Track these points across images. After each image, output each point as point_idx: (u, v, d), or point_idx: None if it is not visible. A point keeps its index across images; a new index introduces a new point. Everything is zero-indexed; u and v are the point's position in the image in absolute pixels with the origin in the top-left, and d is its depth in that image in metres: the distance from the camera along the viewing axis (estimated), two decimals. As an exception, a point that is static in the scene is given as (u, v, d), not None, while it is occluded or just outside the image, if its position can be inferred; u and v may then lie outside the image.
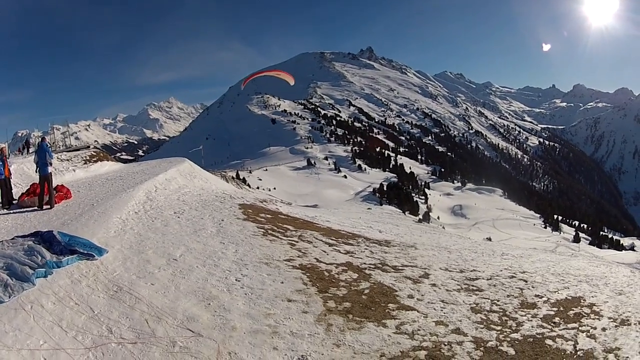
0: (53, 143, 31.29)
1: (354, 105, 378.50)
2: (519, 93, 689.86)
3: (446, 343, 8.16)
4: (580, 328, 9.87)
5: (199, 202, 17.48)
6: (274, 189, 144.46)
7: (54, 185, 15.65)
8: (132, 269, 9.18)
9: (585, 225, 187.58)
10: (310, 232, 15.32)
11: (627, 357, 8.85)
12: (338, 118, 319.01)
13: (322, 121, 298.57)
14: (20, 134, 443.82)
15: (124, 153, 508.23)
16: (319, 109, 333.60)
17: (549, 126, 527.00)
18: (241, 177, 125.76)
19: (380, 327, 8.29)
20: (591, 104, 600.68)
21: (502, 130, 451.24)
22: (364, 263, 12.31)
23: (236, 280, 9.36)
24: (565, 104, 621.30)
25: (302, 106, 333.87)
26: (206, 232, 12.71)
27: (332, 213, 33.14)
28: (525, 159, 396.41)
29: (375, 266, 12.18)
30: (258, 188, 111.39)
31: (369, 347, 7.58)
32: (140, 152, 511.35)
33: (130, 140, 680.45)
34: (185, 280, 8.89)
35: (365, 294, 9.92)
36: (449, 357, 7.63)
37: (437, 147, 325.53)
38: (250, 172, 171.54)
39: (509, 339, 8.75)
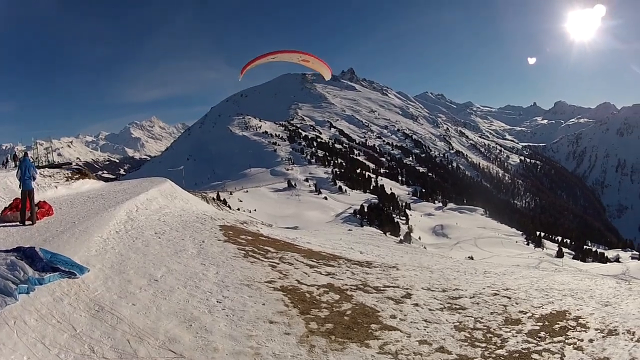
0: (36, 158, 31.11)
1: (334, 127, 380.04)
2: (500, 112, 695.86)
3: None
4: (566, 341, 10.02)
5: (179, 222, 17.44)
6: (255, 210, 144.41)
7: (35, 201, 15.42)
8: (114, 288, 9.11)
9: (569, 240, 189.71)
10: (291, 253, 15.34)
11: None
12: (319, 139, 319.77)
13: (303, 142, 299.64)
14: (4, 147, 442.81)
15: (105, 171, 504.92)
16: (299, 130, 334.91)
17: (530, 144, 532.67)
18: (222, 199, 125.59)
19: (363, 348, 8.23)
20: (573, 120, 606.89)
21: (482, 150, 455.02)
22: (346, 284, 12.31)
23: (217, 301, 9.30)
24: (546, 121, 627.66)
25: (283, 127, 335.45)
26: (187, 253, 12.65)
27: (313, 235, 33.21)
28: (507, 177, 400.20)
29: (357, 287, 12.19)
30: (239, 209, 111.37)
31: None
32: (122, 171, 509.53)
33: (112, 159, 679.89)
34: (166, 301, 8.82)
35: (348, 314, 9.90)
36: None
37: (417, 167, 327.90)
38: (230, 194, 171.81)
39: (494, 356, 8.80)
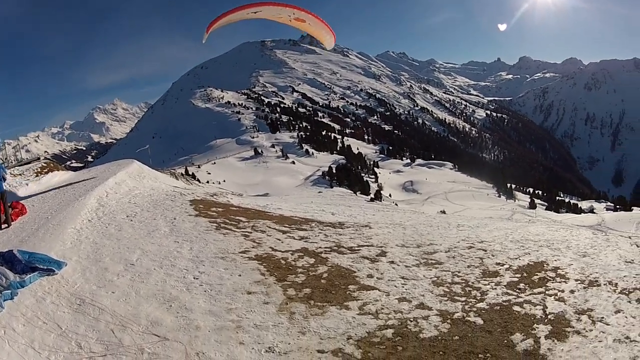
0: (5, 159, 30.50)
1: (297, 91, 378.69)
2: (464, 68, 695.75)
3: (412, 319, 8.28)
4: (547, 292, 10.12)
5: (150, 202, 17.29)
6: (224, 181, 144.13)
7: (8, 202, 15.08)
8: (92, 279, 9.06)
9: (540, 192, 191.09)
10: (263, 221, 15.30)
11: (602, 318, 9.01)
12: (282, 105, 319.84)
13: (267, 109, 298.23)
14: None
15: (73, 161, 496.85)
16: (262, 97, 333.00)
17: (496, 98, 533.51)
18: (190, 173, 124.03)
19: (343, 310, 8.37)
20: (538, 74, 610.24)
21: (448, 105, 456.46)
22: (320, 247, 12.37)
23: (194, 278, 9.31)
24: (511, 76, 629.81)
25: (246, 96, 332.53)
26: (160, 233, 12.59)
27: (284, 200, 33.28)
28: (474, 132, 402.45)
29: (331, 249, 12.28)
30: (208, 182, 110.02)
31: (334, 331, 7.64)
32: (89, 158, 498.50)
33: (79, 147, 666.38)
34: (144, 285, 8.80)
35: (324, 278, 10.00)
36: (416, 333, 7.79)
37: (383, 125, 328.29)
38: (199, 167, 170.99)
39: (475, 309, 8.95)
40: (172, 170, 73.68)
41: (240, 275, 9.66)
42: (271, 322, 7.72)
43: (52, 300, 8.12)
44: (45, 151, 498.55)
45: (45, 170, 25.50)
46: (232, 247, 11.52)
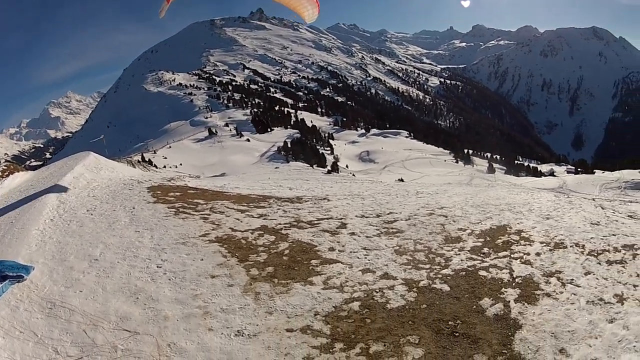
0: (-32, 167, 30.08)
1: (248, 68, 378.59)
2: (416, 37, 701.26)
3: (377, 290, 8.40)
4: (512, 256, 10.33)
5: (108, 194, 17.07)
6: (180, 164, 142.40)
7: None
8: (60, 280, 8.91)
9: (498, 157, 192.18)
10: (221, 202, 15.37)
11: (572, 280, 9.18)
12: (234, 83, 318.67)
13: (219, 88, 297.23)
14: None
15: (32, 160, 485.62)
16: (214, 76, 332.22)
17: (450, 66, 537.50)
18: (147, 159, 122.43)
19: (307, 286, 8.46)
20: (492, 42, 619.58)
21: (400, 74, 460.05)
22: (279, 224, 12.47)
23: (158, 267, 9.28)
24: (464, 44, 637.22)
25: (197, 77, 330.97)
26: (120, 224, 12.48)
27: (241, 179, 33.07)
28: (428, 100, 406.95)
29: (290, 225, 12.42)
30: (165, 167, 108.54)
31: (301, 308, 7.71)
32: (48, 155, 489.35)
33: (37, 145, 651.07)
34: (110, 279, 8.72)
35: (286, 254, 10.05)
36: (383, 304, 7.89)
37: (336, 97, 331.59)
38: (155, 152, 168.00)
39: (440, 276, 9.09)
40: (129, 159, 72.83)
41: (202, 260, 9.64)
42: (237, 305, 7.75)
43: (25, 308, 8.03)
44: (5, 153, 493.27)
45: (6, 173, 25.20)
46: (192, 231, 11.55)
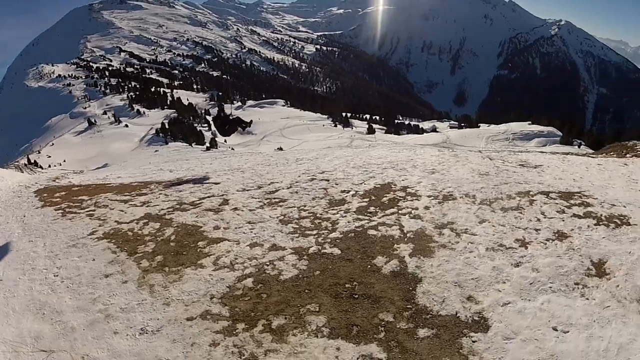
0: None
1: (124, 51, 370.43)
2: (293, 6, 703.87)
3: (268, 263, 8.51)
4: (400, 212, 10.76)
5: (0, 205, 16.26)
6: (64, 161, 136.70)
7: None
8: None
9: (378, 117, 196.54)
10: (104, 195, 15.16)
11: (467, 229, 9.69)
12: (110, 68, 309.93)
13: (96, 75, 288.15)
14: None
15: None
16: (91, 64, 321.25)
17: (326, 33, 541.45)
18: (32, 161, 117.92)
19: (198, 269, 8.47)
20: (371, 7, 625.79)
21: (276, 44, 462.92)
22: (162, 209, 12.45)
23: (55, 276, 9.01)
24: (342, 10, 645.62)
25: (75, 66, 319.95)
26: (15, 235, 11.99)
27: (122, 167, 32.27)
28: (304, 67, 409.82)
29: (173, 209, 12.36)
30: (50, 166, 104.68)
31: (196, 294, 7.69)
32: None
33: None
34: (16, 299, 8.43)
35: (173, 240, 9.99)
36: (276, 276, 8.03)
37: (211, 72, 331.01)
38: (39, 152, 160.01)
39: (329, 240, 9.33)
40: (16, 164, 70.31)
41: (94, 260, 9.39)
42: (135, 301, 7.65)
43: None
44: None
45: None
46: (81, 231, 11.33)
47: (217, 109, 16.88)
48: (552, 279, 7.97)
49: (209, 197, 13.25)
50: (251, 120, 15.96)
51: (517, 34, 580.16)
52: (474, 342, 6.47)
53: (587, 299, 7.58)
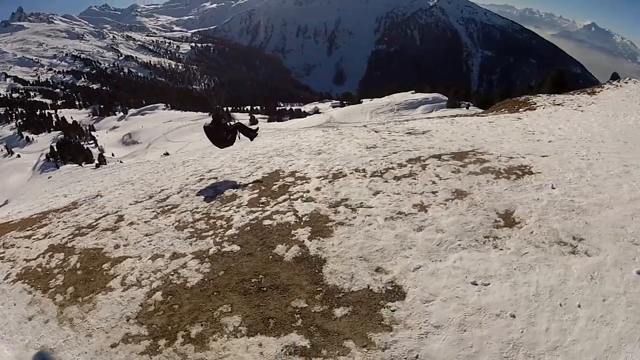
0: None
1: (9, 76, 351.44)
2: (166, 6, 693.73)
3: (172, 273, 8.49)
4: (292, 197, 11.00)
5: None
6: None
7: None
8: None
9: (259, 107, 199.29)
10: (9, 234, 14.44)
11: (362, 203, 9.91)
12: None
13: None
14: None
15: None
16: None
17: (200, 29, 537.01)
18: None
19: (109, 293, 8.31)
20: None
21: (152, 47, 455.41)
22: (63, 237, 12.08)
23: None
24: (215, 5, 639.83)
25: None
26: None
27: (22, 200, 31.25)
28: (180, 67, 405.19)
29: (73, 235, 11.98)
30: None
31: (112, 318, 7.59)
32: None
33: None
34: None
35: (79, 268, 9.71)
36: (183, 285, 8.04)
37: (91, 86, 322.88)
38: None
39: (226, 238, 9.42)
40: None
41: (15, 305, 9.06)
42: (61, 339, 7.46)
43: None
44: None
45: None
46: None
47: (211, 118, 16.17)
48: (460, 236, 8.36)
49: (104, 216, 13.00)
50: (257, 127, 15.54)
51: (394, 9, 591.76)
52: (393, 311, 6.74)
53: (501, 249, 8.01)
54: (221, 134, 14.48)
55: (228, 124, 14.96)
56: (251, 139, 15.28)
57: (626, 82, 37.03)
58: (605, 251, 7.79)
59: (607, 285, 6.99)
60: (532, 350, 5.96)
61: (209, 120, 15.18)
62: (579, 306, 6.57)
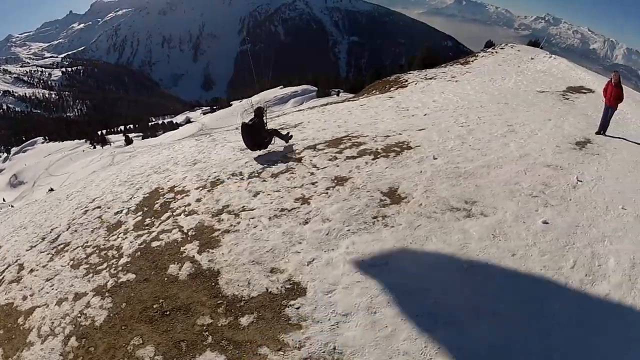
0: None
1: None
2: (38, 32, 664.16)
3: (79, 315, 8.13)
4: (175, 214, 10.87)
5: None
6: None
7: None
8: None
9: (132, 126, 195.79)
10: None
11: (243, 207, 10.12)
12: None
13: None
14: None
15: None
16: None
17: (69, 53, 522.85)
18: None
19: (31, 349, 7.88)
20: (111, 15, 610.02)
21: (26, 79, 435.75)
22: None
23: None
24: (82, 25, 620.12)
25: None
26: None
27: None
28: (53, 95, 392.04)
29: None
30: None
31: None
32: None
33: None
34: None
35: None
36: (92, 325, 7.71)
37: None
38: None
39: (120, 268, 9.17)
40: None
41: None
42: None
43: None
44: None
45: None
46: None
47: (250, 120, 15.17)
48: (347, 222, 8.59)
49: (7, 267, 12.02)
50: (288, 132, 15.13)
51: (257, 7, 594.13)
52: (298, 308, 6.89)
53: (392, 226, 8.30)
54: (260, 137, 14.41)
55: (267, 128, 14.86)
56: (286, 142, 15.12)
57: (502, 48, 38.81)
58: (502, 209, 8.33)
59: (512, 240, 7.47)
60: (452, 318, 6.29)
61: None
62: (487, 264, 6.97)
